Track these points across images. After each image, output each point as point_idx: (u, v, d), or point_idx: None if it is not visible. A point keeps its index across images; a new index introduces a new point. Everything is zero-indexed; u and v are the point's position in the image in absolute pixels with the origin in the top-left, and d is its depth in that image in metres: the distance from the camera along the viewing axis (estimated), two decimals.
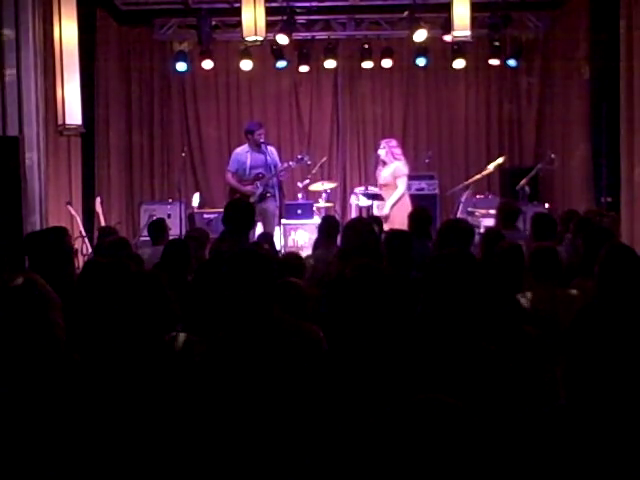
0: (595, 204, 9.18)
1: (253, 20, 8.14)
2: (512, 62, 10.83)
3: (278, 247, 8.20)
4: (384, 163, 9.33)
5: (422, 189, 10.93)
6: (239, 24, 8.60)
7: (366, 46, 10.99)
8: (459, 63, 10.77)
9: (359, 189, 10.22)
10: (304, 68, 11.12)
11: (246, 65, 10.74)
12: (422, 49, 10.61)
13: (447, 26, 8.80)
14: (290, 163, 9.31)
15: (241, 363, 2.50)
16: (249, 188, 8.76)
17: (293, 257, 5.15)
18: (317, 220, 9.56)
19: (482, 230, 7.96)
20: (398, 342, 1.96)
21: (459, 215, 9.15)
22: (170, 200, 10.79)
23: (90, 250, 8.16)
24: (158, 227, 6.76)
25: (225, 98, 11.73)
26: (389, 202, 9.08)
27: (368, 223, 6.09)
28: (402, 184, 9.17)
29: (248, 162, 8.85)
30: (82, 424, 2.36)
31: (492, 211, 9.38)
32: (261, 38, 8.37)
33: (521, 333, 2.67)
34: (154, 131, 11.57)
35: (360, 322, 1.96)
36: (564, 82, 10.72)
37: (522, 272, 4.30)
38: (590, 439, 1.81)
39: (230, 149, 10.19)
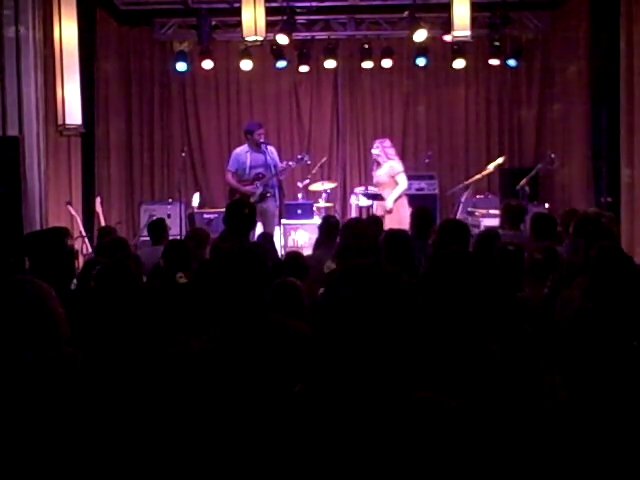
0: (595, 204, 9.18)
1: (253, 20, 8.14)
2: (512, 62, 10.83)
3: (278, 247, 8.20)
4: (377, 163, 9.40)
5: (422, 189, 10.94)
6: (239, 24, 8.60)
7: (366, 46, 10.99)
8: (459, 63, 10.77)
9: (359, 189, 10.23)
10: (304, 68, 11.12)
11: (246, 65, 10.74)
12: (422, 49, 10.61)
13: (447, 26, 8.79)
14: (290, 163, 9.31)
15: (230, 362, 2.50)
16: (249, 188, 8.76)
17: (295, 256, 5.15)
18: (317, 220, 9.57)
19: (482, 230, 7.95)
20: (398, 341, 1.96)
21: (459, 215, 9.16)
22: (170, 200, 10.80)
23: (90, 250, 8.16)
24: (158, 227, 6.76)
25: (225, 98, 11.73)
26: (391, 197, 9.10)
27: (365, 223, 6.10)
28: (403, 180, 9.22)
29: (248, 162, 8.84)
30: (82, 423, 2.36)
31: (492, 211, 9.40)
32: (261, 38, 8.37)
33: (522, 333, 2.67)
34: (154, 131, 11.57)
35: (360, 320, 1.96)
36: (564, 82, 10.72)
37: (522, 272, 4.30)
38: (589, 437, 1.81)
39: (230, 149, 10.18)
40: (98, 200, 9.55)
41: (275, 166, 8.84)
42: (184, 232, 9.03)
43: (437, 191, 10.99)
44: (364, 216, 9.29)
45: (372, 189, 9.59)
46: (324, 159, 10.95)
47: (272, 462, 1.83)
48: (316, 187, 10.46)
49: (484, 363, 2.11)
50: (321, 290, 3.48)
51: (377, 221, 6.98)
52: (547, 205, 10.16)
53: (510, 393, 2.09)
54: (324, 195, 10.36)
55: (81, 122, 7.95)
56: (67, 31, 7.53)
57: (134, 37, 11.34)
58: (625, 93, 8.24)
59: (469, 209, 9.62)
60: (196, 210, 10.63)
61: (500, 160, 9.82)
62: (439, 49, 10.88)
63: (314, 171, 10.47)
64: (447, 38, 9.66)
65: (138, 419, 2.37)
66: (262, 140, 8.86)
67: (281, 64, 10.77)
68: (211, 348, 2.63)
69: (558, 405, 1.98)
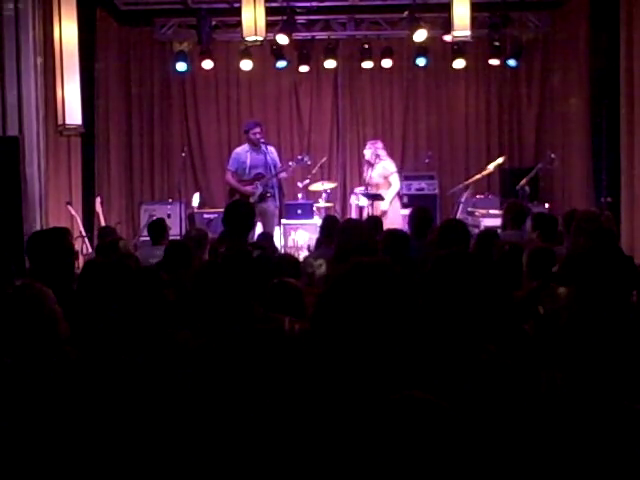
0: (595, 204, 9.18)
1: (253, 20, 8.14)
2: (512, 62, 10.83)
3: (278, 247, 8.20)
4: (370, 164, 9.46)
5: (422, 189, 10.95)
6: (239, 24, 8.60)
7: (366, 46, 11.00)
8: (459, 63, 10.77)
9: (359, 189, 10.24)
10: (304, 68, 11.13)
11: (246, 65, 10.74)
12: (422, 49, 10.61)
13: (447, 26, 8.79)
14: (290, 163, 9.32)
15: (229, 361, 2.51)
16: (249, 188, 8.76)
17: (288, 259, 5.13)
18: (317, 220, 9.59)
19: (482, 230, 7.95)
20: (397, 340, 1.96)
21: (459, 215, 9.17)
22: (170, 200, 10.80)
23: (90, 250, 8.17)
24: (158, 227, 6.76)
25: (225, 98, 11.73)
26: (387, 198, 9.17)
27: (361, 223, 6.10)
28: (395, 181, 9.32)
29: (248, 162, 8.84)
30: (81, 423, 2.37)
31: (492, 211, 9.40)
32: (261, 38, 8.37)
33: (520, 333, 2.68)
34: (154, 131, 11.57)
35: (368, 319, 1.96)
36: (564, 82, 10.73)
37: (521, 271, 4.30)
38: (588, 435, 1.82)
39: (230, 149, 10.19)
40: (98, 200, 9.55)
41: (275, 166, 8.84)
42: (184, 232, 9.03)
43: (437, 191, 11.00)
44: (364, 216, 9.31)
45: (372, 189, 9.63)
46: (324, 159, 10.95)
47: (271, 462, 1.83)
48: (316, 187, 10.47)
49: (483, 363, 2.11)
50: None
51: (377, 221, 6.98)
52: (547, 205, 10.16)
53: (509, 393, 2.09)
54: (324, 195, 10.36)
55: (81, 122, 7.94)
56: (67, 31, 7.53)
57: (134, 37, 11.34)
58: (625, 93, 8.25)
59: (469, 209, 9.62)
60: (196, 210, 10.63)
61: (500, 160, 9.83)
62: (439, 49, 10.89)
63: (314, 171, 10.48)
64: (447, 38, 9.67)
65: (138, 419, 2.38)
66: (261, 139, 8.86)
67: (281, 64, 10.77)
68: (210, 347, 2.63)
69: (557, 405, 1.98)
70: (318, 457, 1.72)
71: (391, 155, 10.18)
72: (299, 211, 10.03)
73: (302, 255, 7.78)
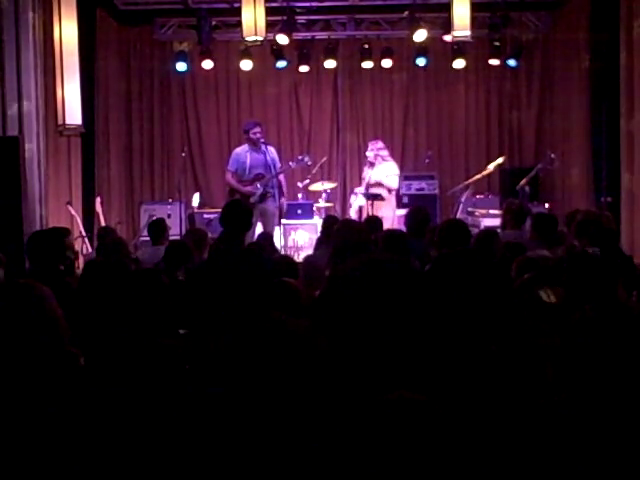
0: (595, 204, 9.18)
1: (253, 20, 8.15)
2: (512, 62, 10.83)
3: (278, 247, 8.20)
4: (371, 165, 9.51)
5: (422, 189, 10.95)
6: (239, 24, 8.61)
7: (366, 46, 11.00)
8: (459, 63, 10.77)
9: (359, 189, 10.25)
10: (304, 68, 11.13)
11: (246, 65, 10.74)
12: (422, 49, 10.61)
13: (447, 26, 8.80)
14: (290, 163, 9.32)
15: (235, 362, 2.51)
16: (249, 188, 8.76)
17: (285, 260, 5.13)
18: (317, 220, 9.59)
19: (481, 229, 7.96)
20: (400, 340, 1.96)
21: (459, 215, 9.17)
22: (170, 200, 10.80)
23: (90, 250, 8.17)
24: (158, 227, 6.76)
25: (225, 98, 11.74)
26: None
27: (359, 224, 6.10)
28: (394, 181, 9.43)
29: (248, 162, 8.84)
30: (81, 423, 2.37)
31: (492, 211, 9.41)
32: (261, 38, 8.38)
33: (519, 333, 2.67)
34: (154, 131, 11.57)
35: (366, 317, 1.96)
36: (564, 82, 10.73)
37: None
38: (587, 436, 1.82)
39: (230, 149, 10.19)
40: (98, 200, 9.55)
41: (275, 165, 8.84)
42: (184, 232, 9.03)
43: (437, 191, 11.00)
44: (364, 216, 9.32)
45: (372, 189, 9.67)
46: (324, 159, 10.95)
47: (271, 462, 1.84)
48: (316, 187, 10.47)
49: (484, 364, 2.11)
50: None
51: (376, 221, 6.98)
52: (547, 205, 10.16)
53: (510, 393, 2.09)
54: (324, 195, 10.36)
55: (81, 122, 7.95)
56: (67, 31, 7.54)
57: (134, 37, 11.34)
58: (625, 93, 8.25)
59: (469, 209, 9.62)
60: (196, 210, 10.64)
61: (500, 160, 9.83)
62: (439, 49, 10.88)
63: (314, 171, 10.48)
64: (447, 38, 9.67)
65: (138, 418, 2.37)
66: (261, 139, 8.86)
67: (281, 64, 10.77)
68: (213, 346, 2.63)
69: (557, 404, 1.98)
70: (318, 457, 1.72)
71: (391, 155, 10.20)
72: (299, 211, 10.04)
73: (302, 255, 7.80)
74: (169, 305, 3.03)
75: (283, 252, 8.36)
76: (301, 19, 10.64)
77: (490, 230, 6.34)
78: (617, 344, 1.98)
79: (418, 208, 6.53)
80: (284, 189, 9.10)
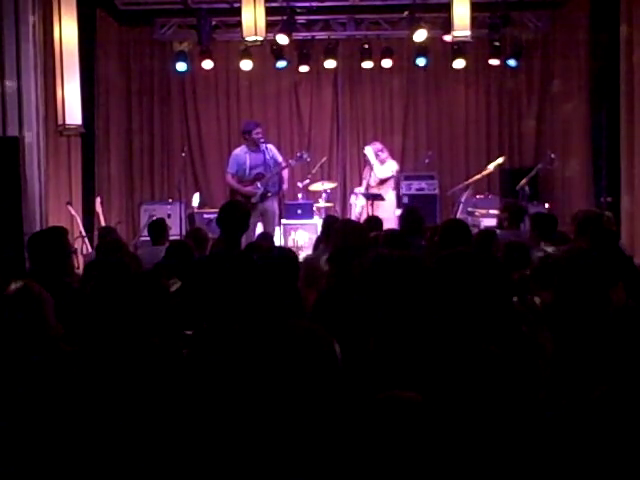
0: (595, 204, 9.18)
1: (253, 20, 8.14)
2: (512, 62, 10.83)
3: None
4: (372, 167, 9.58)
5: (422, 189, 10.94)
6: (239, 24, 8.59)
7: (366, 46, 10.99)
8: (459, 63, 10.77)
9: (359, 189, 10.25)
10: (304, 68, 11.12)
11: (246, 65, 10.74)
12: (422, 49, 10.60)
13: (447, 26, 8.79)
14: (290, 161, 9.32)
15: (241, 364, 2.50)
16: (250, 189, 8.76)
17: (285, 254, 5.12)
18: (317, 220, 9.59)
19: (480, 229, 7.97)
20: (404, 341, 1.97)
21: (459, 215, 9.18)
22: (170, 200, 10.80)
23: (90, 250, 8.17)
24: (158, 227, 6.76)
25: (225, 98, 11.73)
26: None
27: (358, 224, 6.09)
28: (385, 174, 9.58)
29: (247, 162, 8.84)
30: (80, 421, 2.37)
31: (492, 211, 9.41)
32: (261, 38, 8.37)
33: (519, 334, 2.67)
34: (154, 131, 11.57)
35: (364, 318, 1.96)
36: (564, 82, 10.72)
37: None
38: (586, 438, 1.82)
39: (230, 149, 10.19)
40: (98, 200, 9.56)
41: (275, 163, 8.84)
42: (184, 232, 9.03)
43: (437, 191, 10.99)
44: (364, 216, 9.33)
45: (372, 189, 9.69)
46: (324, 159, 10.95)
47: (273, 462, 1.84)
48: (316, 187, 10.47)
49: (483, 364, 2.11)
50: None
51: (377, 221, 6.97)
52: (547, 205, 10.16)
53: (509, 394, 2.09)
54: (324, 195, 10.36)
55: (81, 122, 7.94)
56: (67, 31, 7.53)
57: (134, 37, 11.34)
58: (625, 93, 8.25)
59: (469, 209, 9.62)
60: (196, 210, 10.64)
61: (500, 160, 9.83)
62: (439, 49, 10.88)
63: (314, 171, 10.48)
64: (447, 38, 9.66)
65: (138, 418, 2.37)
66: (261, 139, 8.86)
67: (281, 64, 10.77)
68: (221, 350, 2.63)
69: (554, 404, 1.98)
70: (318, 457, 1.72)
71: (391, 155, 10.21)
72: (299, 211, 10.03)
73: (302, 255, 7.79)
74: (169, 307, 3.03)
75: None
76: (301, 19, 10.64)
77: (489, 230, 6.34)
78: (603, 346, 1.97)
79: (410, 209, 6.56)
80: (285, 185, 9.11)
